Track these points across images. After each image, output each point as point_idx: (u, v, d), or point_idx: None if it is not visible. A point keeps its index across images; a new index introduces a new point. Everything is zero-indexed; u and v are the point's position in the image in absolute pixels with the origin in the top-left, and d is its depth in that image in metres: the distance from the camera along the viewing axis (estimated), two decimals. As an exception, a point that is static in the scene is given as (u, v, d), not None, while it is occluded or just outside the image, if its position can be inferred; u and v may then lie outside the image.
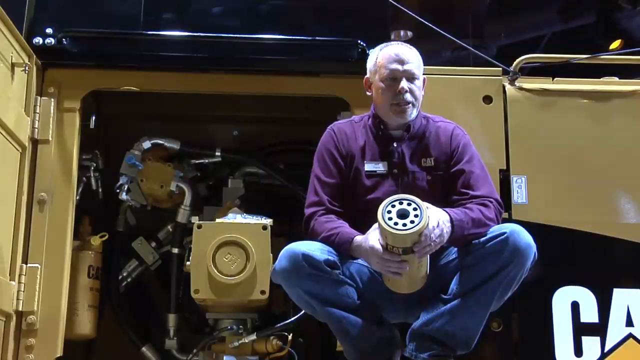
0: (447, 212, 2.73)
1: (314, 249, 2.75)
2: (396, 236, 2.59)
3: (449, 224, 2.70)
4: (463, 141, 3.01)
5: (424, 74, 3.02)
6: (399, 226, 2.58)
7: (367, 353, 2.85)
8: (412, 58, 2.97)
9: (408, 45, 3.03)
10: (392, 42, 3.05)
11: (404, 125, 2.98)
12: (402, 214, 2.60)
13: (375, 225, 2.69)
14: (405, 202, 2.62)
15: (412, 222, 2.59)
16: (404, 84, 2.92)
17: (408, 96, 2.92)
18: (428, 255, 2.69)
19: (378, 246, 2.66)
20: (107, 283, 3.83)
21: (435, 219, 2.65)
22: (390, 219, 2.60)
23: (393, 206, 2.61)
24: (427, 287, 2.82)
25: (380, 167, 2.96)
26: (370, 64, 3.03)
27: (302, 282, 2.76)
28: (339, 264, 2.78)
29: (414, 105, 2.94)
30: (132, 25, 3.49)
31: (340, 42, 3.51)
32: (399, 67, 2.93)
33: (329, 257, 2.75)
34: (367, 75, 3.04)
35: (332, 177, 2.96)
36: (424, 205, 2.62)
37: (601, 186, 3.43)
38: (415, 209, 2.61)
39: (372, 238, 2.69)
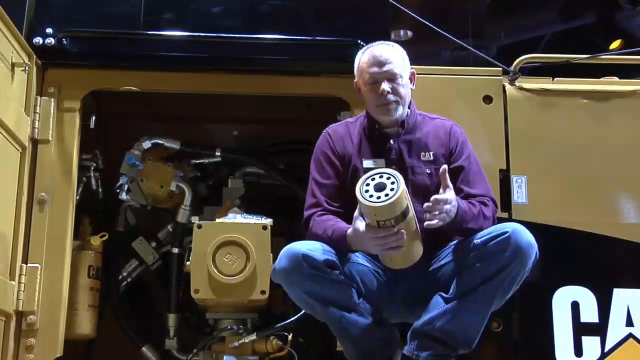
0: (456, 199, 2.77)
1: (314, 249, 2.76)
2: (384, 208, 2.61)
3: (455, 209, 2.74)
4: (461, 138, 3.04)
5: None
6: (383, 198, 2.62)
7: (367, 353, 2.85)
8: (393, 58, 2.96)
9: (389, 43, 3.04)
10: (374, 44, 3.03)
11: (398, 122, 2.99)
12: (380, 188, 2.65)
13: (356, 214, 2.71)
14: (377, 177, 2.68)
15: (392, 189, 2.63)
16: (384, 85, 2.92)
17: (391, 97, 2.93)
18: (416, 220, 2.71)
19: (366, 227, 2.67)
20: (107, 283, 3.83)
21: (452, 195, 2.72)
22: (371, 196, 2.64)
23: (367, 185, 2.66)
24: (428, 286, 2.83)
25: (378, 164, 2.96)
26: (355, 68, 3.05)
27: (302, 282, 2.76)
28: (338, 264, 2.78)
29: (399, 103, 2.95)
30: (132, 25, 3.48)
31: (340, 42, 3.51)
32: (378, 69, 2.94)
33: (329, 257, 2.75)
34: (356, 79, 3.05)
35: (329, 178, 2.97)
36: (394, 172, 2.68)
37: (601, 186, 3.43)
38: (388, 178, 2.66)
39: (360, 224, 2.71)
